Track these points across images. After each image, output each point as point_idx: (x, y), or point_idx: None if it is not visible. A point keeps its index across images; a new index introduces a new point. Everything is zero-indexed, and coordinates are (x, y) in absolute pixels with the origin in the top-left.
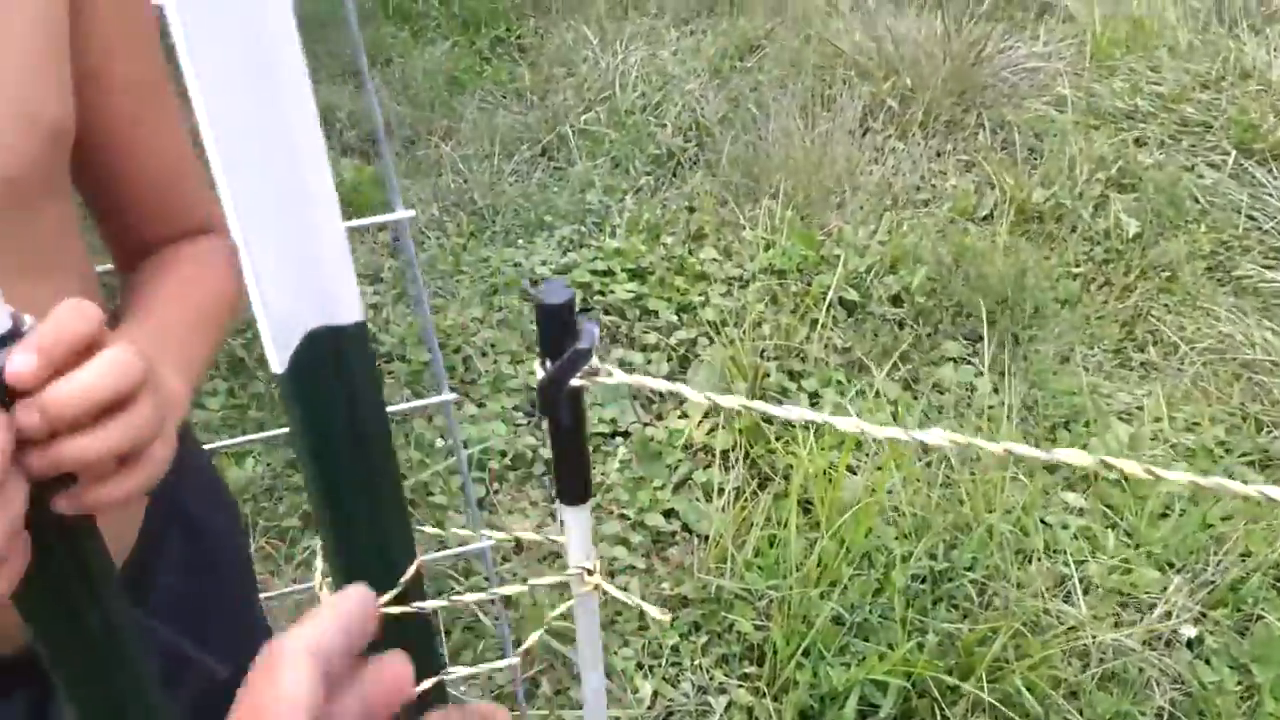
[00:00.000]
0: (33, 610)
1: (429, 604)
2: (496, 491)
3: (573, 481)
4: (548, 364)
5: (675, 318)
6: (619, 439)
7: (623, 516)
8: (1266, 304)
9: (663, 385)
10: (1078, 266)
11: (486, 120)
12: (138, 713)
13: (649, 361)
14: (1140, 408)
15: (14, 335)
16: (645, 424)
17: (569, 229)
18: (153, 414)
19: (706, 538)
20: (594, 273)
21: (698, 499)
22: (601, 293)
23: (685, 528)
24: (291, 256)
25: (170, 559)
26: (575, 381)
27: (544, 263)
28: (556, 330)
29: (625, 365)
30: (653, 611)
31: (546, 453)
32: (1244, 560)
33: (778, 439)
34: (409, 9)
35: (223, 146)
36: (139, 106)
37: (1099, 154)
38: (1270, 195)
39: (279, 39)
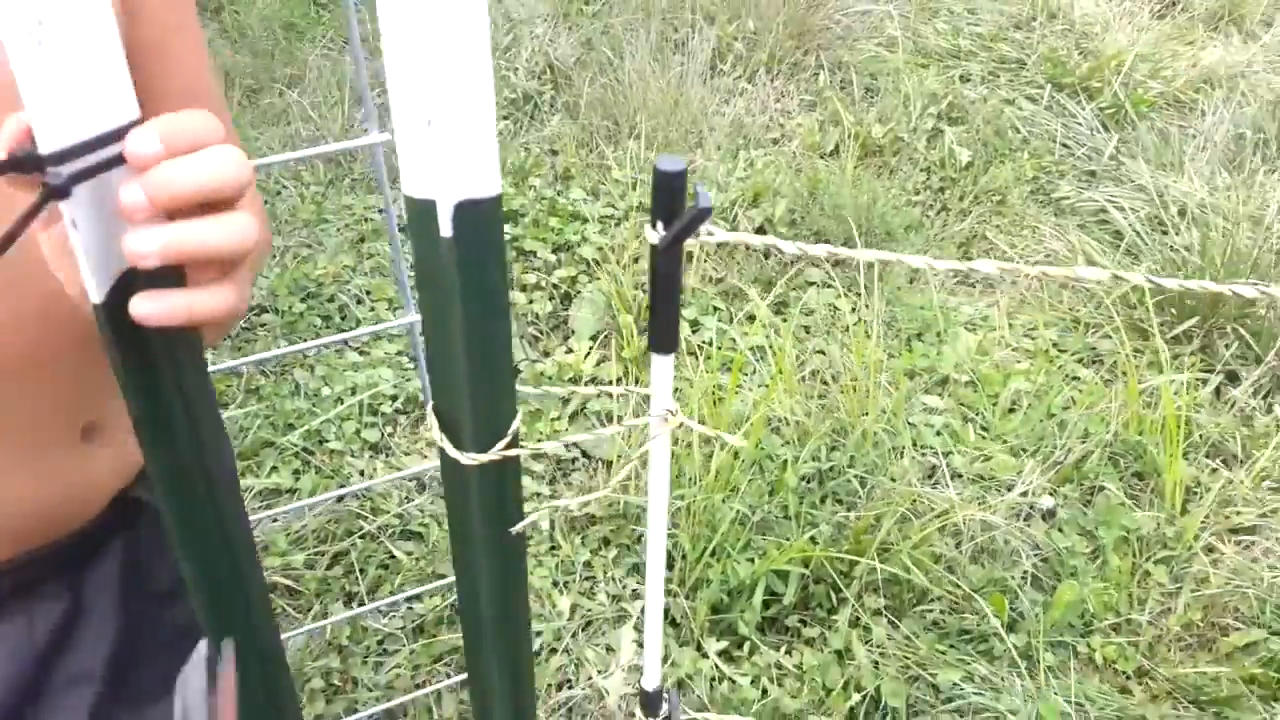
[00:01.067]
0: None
1: (527, 450)
2: (391, 435)
3: (668, 333)
4: (659, 226)
5: (553, 257)
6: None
7: (522, 447)
8: (1084, 221)
9: (790, 248)
10: (918, 194)
11: (331, 67)
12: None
13: (531, 301)
14: (985, 318)
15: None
16: (534, 360)
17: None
18: (252, 224)
19: (607, 462)
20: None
21: (593, 426)
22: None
23: (584, 454)
24: (453, 142)
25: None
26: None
27: (382, 210)
28: (670, 197)
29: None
30: (731, 439)
31: None
32: (1084, 441)
33: None
34: None
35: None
36: (165, 34)
37: (930, 90)
38: (1080, 124)
39: None
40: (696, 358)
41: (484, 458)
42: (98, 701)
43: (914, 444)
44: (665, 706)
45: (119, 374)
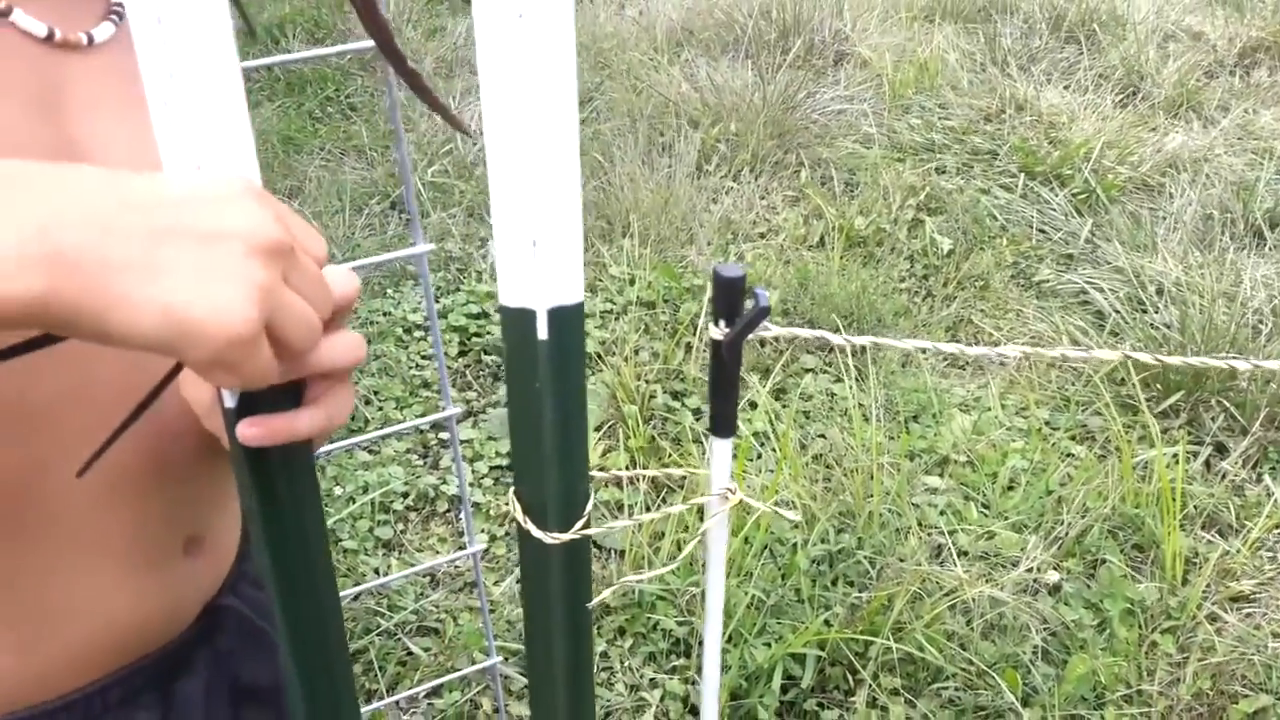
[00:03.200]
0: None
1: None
2: (403, 531)
3: (728, 417)
4: (721, 324)
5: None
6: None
7: (596, 527)
8: (1065, 302)
9: (837, 339)
10: (903, 282)
11: (330, 177)
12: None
13: None
14: (977, 399)
15: None
16: None
17: (435, 276)
18: (362, 341)
19: (620, 552)
20: (469, 316)
21: (603, 516)
22: (479, 334)
23: (595, 544)
24: (552, 259)
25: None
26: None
27: (415, 309)
28: (730, 298)
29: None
30: (788, 514)
31: (448, 490)
32: (1083, 516)
33: (671, 455)
34: None
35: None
36: None
37: (908, 183)
38: (1054, 210)
39: (560, 77)
40: (701, 445)
41: (565, 537)
42: None
43: (919, 524)
44: None
45: (240, 471)
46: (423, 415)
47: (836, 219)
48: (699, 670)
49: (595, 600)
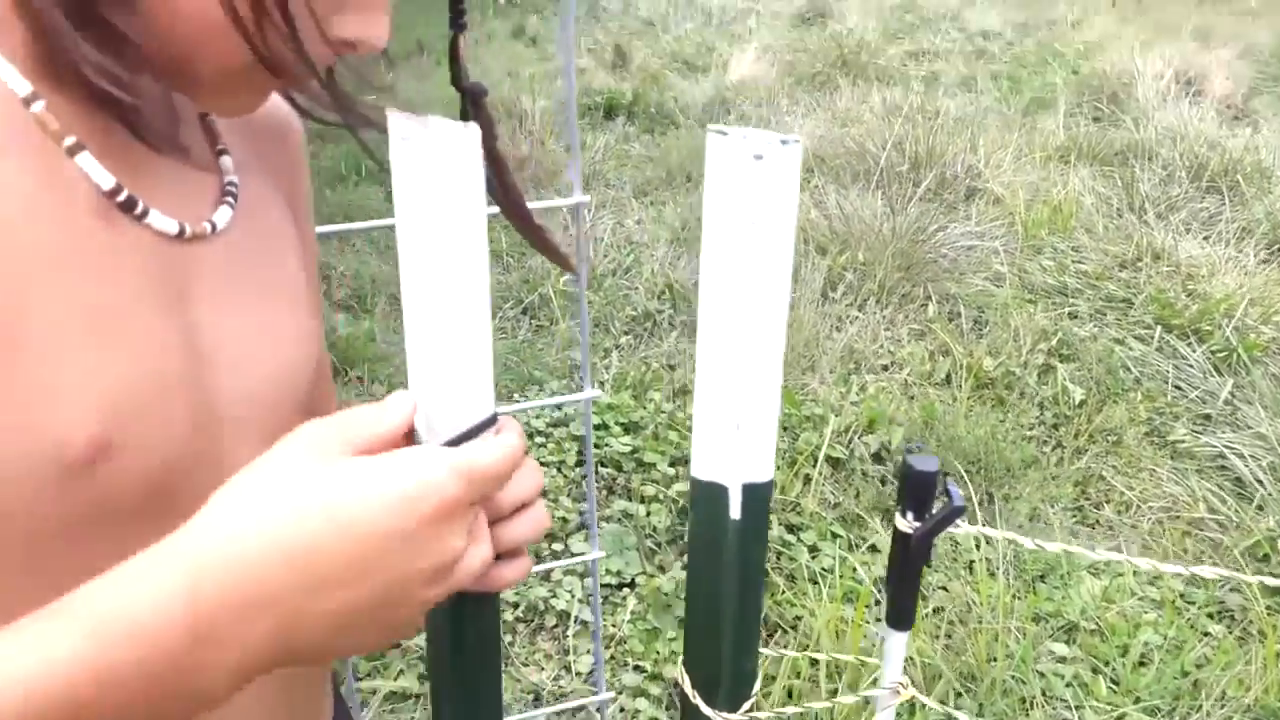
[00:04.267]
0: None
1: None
2: (511, 644)
3: (907, 611)
4: (909, 515)
5: (671, 470)
6: (625, 590)
7: (638, 669)
8: (1201, 466)
9: (1027, 543)
10: (1032, 430)
11: None
12: None
13: (649, 513)
14: (1107, 563)
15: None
16: (650, 574)
17: (558, 384)
18: (547, 515)
19: None
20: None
21: None
22: (597, 445)
23: None
24: (751, 440)
25: None
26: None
27: (538, 415)
28: (922, 492)
29: (628, 516)
30: (960, 717)
31: (558, 604)
32: (1222, 706)
33: (785, 594)
34: (386, 171)
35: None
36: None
37: (1039, 326)
38: (1192, 367)
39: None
40: (818, 585)
41: (734, 717)
42: None
43: (1044, 694)
44: None
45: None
46: None
47: (964, 357)
48: None
49: None
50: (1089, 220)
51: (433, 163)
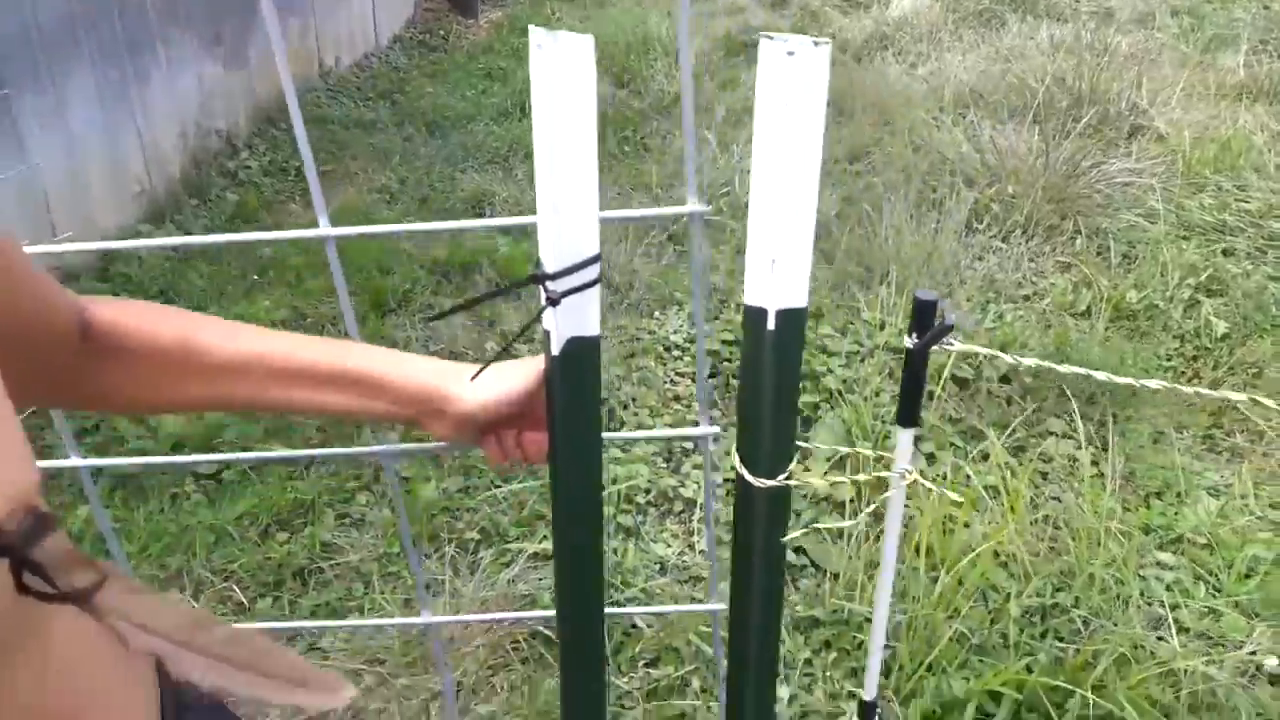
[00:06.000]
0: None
1: (797, 481)
2: (642, 523)
3: (912, 411)
4: (913, 335)
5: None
6: None
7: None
8: None
9: (1027, 362)
10: (1169, 361)
11: (619, 209)
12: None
13: None
14: (1229, 485)
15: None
16: None
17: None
18: None
19: (834, 575)
20: (724, 342)
21: (824, 540)
22: (729, 360)
23: (813, 564)
24: (785, 273)
25: None
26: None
27: (675, 331)
28: (924, 317)
29: None
30: (953, 496)
31: (686, 492)
32: None
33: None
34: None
35: (761, 223)
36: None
37: (1189, 262)
38: None
39: (810, 123)
40: (932, 490)
41: (770, 483)
42: None
43: (1141, 595)
44: (877, 718)
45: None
46: (672, 425)
47: (1107, 290)
48: (896, 690)
49: (790, 535)
50: (1259, 160)
51: (559, 65)
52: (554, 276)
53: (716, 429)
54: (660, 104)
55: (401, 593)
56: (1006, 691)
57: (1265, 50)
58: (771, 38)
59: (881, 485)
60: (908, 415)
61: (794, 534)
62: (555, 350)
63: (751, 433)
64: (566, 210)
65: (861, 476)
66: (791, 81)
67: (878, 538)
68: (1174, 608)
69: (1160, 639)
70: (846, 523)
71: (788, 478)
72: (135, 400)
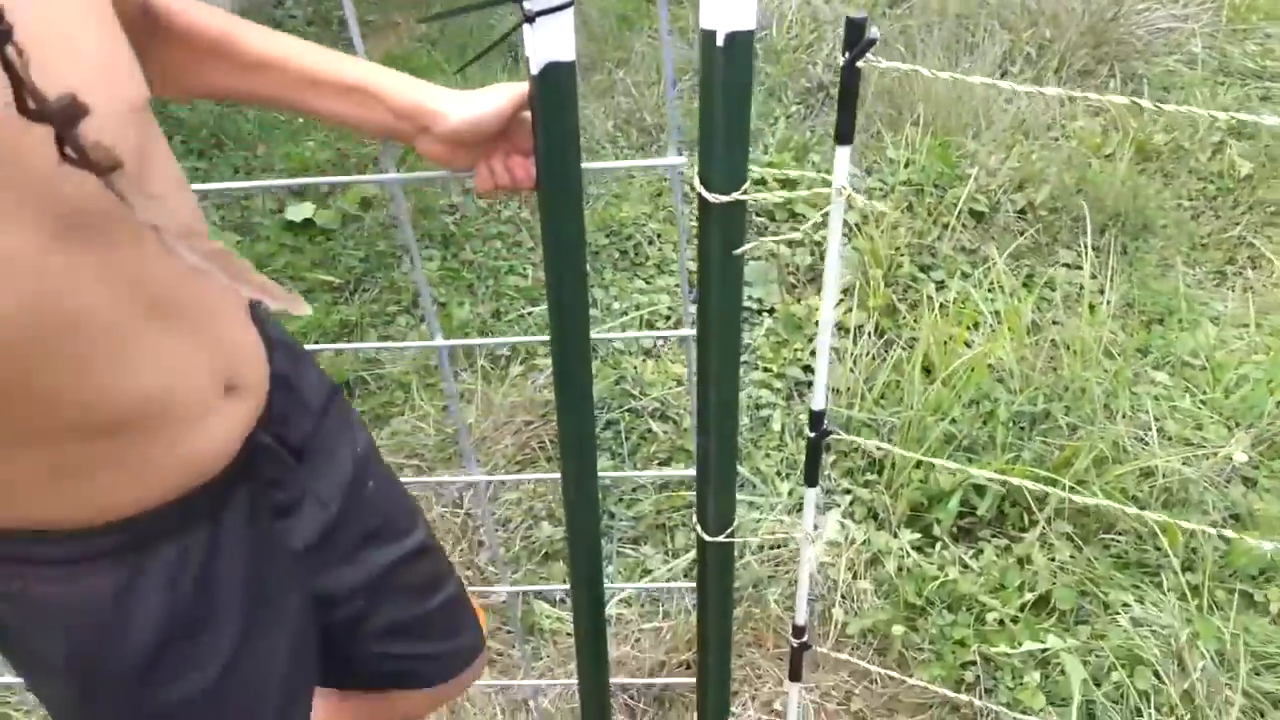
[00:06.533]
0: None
1: (753, 197)
2: (662, 345)
3: (848, 127)
4: (845, 54)
5: (821, 218)
6: (765, 315)
7: (767, 369)
8: None
9: (927, 73)
10: (1190, 200)
11: (654, 54)
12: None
13: (794, 254)
14: (1233, 316)
15: None
16: (788, 304)
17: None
18: None
19: (840, 391)
20: (751, 181)
21: (832, 360)
22: (758, 185)
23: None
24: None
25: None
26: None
27: None
28: (855, 35)
29: (774, 255)
30: (879, 206)
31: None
32: None
33: (906, 318)
34: None
35: None
36: None
37: (1222, 105)
38: None
39: None
40: (934, 305)
41: (726, 198)
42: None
43: (1131, 409)
44: (826, 423)
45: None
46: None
47: (1135, 131)
48: (887, 486)
49: (742, 249)
50: None
51: None
52: None
53: (684, 159)
54: None
55: (440, 400)
56: (989, 483)
57: None
58: None
59: (823, 201)
60: (844, 132)
61: (747, 246)
62: (534, 71)
63: (708, 151)
64: None
65: (803, 193)
66: None
67: (883, 358)
68: (1159, 418)
69: (1142, 442)
70: (795, 234)
71: (743, 192)
72: (179, 82)
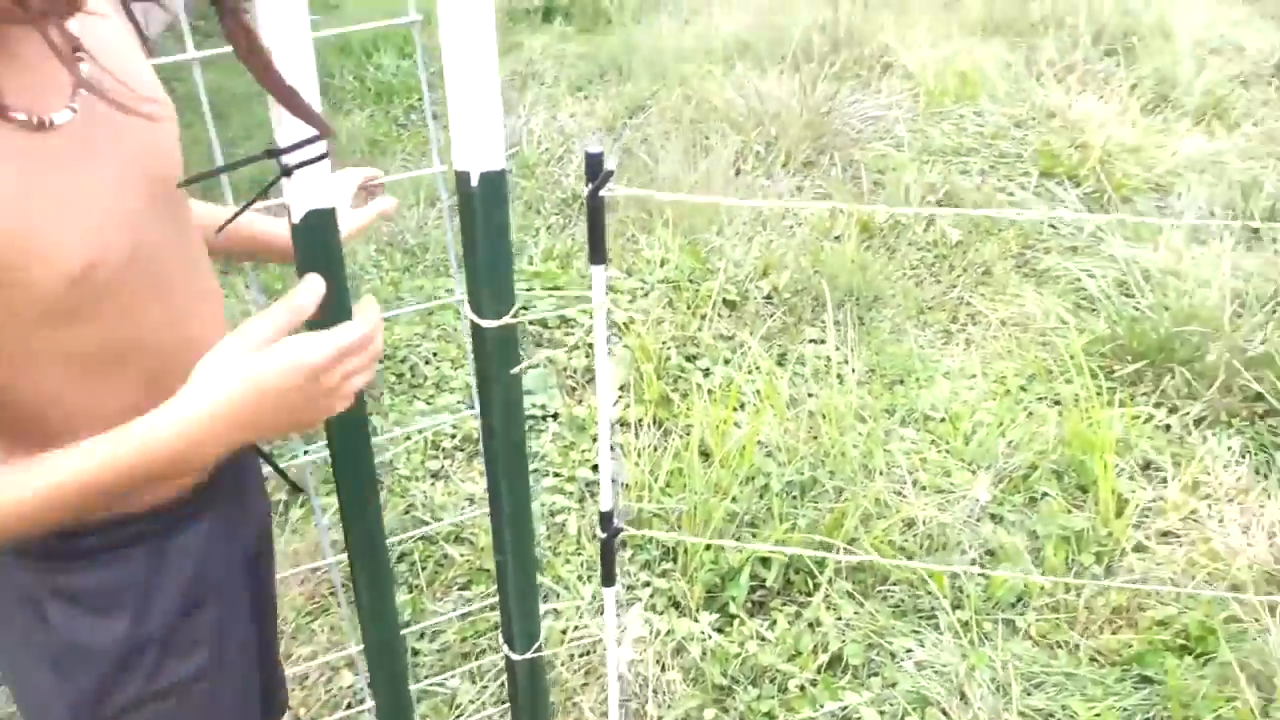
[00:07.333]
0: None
1: (523, 320)
2: (451, 465)
3: (599, 250)
4: (589, 186)
5: (590, 322)
6: (549, 420)
7: (557, 474)
8: (1062, 290)
9: (682, 200)
10: (914, 269)
11: (412, 183)
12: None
13: (570, 358)
14: (962, 368)
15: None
16: (570, 407)
17: None
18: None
19: (629, 485)
20: (520, 293)
21: (617, 457)
22: (526, 308)
23: (613, 480)
24: (479, 133)
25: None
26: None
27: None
28: (595, 168)
29: (551, 362)
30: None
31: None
32: (1027, 458)
33: (679, 406)
34: (326, 83)
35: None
36: None
37: (929, 182)
38: (1067, 207)
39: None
40: (711, 399)
41: (497, 323)
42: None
43: (886, 465)
44: (615, 521)
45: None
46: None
47: (858, 213)
48: (683, 571)
49: (518, 368)
50: (993, 88)
51: None
52: (286, 150)
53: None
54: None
55: None
56: (773, 554)
57: None
58: None
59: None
60: (596, 254)
61: (523, 365)
62: (295, 220)
63: (475, 283)
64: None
65: (571, 311)
66: None
67: (665, 447)
68: (912, 471)
69: (900, 495)
70: (558, 351)
71: (514, 316)
72: None
